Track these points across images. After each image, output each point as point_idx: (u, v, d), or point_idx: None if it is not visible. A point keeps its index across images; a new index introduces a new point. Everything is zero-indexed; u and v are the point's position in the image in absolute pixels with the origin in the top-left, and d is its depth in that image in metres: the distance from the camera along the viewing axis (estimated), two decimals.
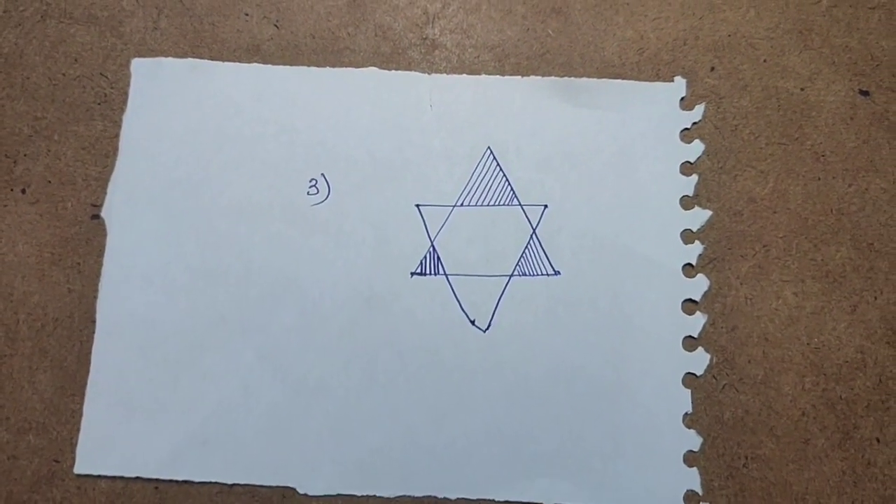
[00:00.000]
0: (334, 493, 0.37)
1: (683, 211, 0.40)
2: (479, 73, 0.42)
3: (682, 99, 0.42)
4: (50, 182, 0.41)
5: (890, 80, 0.42)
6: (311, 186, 0.41)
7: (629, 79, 0.42)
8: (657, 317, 0.39)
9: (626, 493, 0.37)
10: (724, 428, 0.38)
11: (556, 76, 0.42)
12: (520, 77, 0.42)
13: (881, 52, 0.43)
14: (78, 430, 0.38)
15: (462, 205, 0.41)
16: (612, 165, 0.41)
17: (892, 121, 0.42)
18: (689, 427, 0.38)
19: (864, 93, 0.42)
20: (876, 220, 0.40)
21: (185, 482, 0.37)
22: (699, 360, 0.39)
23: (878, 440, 0.38)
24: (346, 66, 0.43)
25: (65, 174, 0.41)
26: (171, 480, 0.37)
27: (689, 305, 0.39)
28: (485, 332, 0.39)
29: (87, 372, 0.39)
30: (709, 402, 0.38)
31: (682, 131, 0.41)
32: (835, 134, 0.42)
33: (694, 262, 0.40)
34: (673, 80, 0.42)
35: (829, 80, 0.42)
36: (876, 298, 0.39)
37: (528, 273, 0.40)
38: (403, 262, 0.40)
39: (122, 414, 0.38)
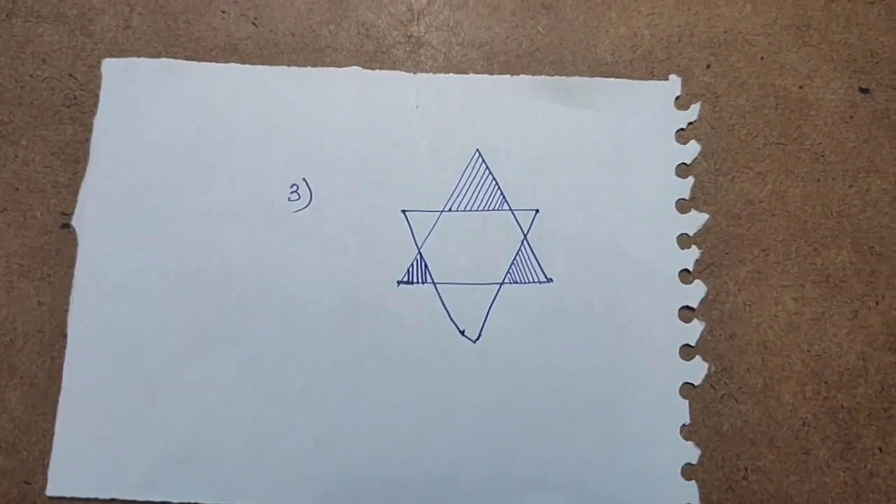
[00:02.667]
0: None
1: (679, 214, 0.39)
2: (467, 72, 0.41)
3: (678, 98, 0.41)
4: (18, 189, 0.39)
5: (890, 77, 0.41)
6: (292, 192, 0.39)
7: (622, 77, 0.41)
8: (653, 325, 0.38)
9: None
10: (722, 439, 0.37)
11: (546, 75, 0.41)
12: (509, 76, 0.41)
13: (881, 49, 0.41)
14: (50, 449, 0.37)
15: (450, 210, 0.39)
16: (605, 167, 0.40)
17: (892, 119, 0.40)
18: (686, 439, 0.37)
19: (865, 90, 0.41)
20: (877, 223, 0.39)
21: (163, 503, 0.36)
22: (697, 370, 0.38)
23: (880, 450, 0.37)
24: (327, 66, 0.41)
25: (33, 181, 0.39)
26: (148, 502, 0.36)
27: (686, 313, 0.38)
28: (475, 342, 0.38)
29: (59, 388, 0.37)
30: (707, 412, 0.37)
31: (677, 131, 0.40)
32: (834, 133, 0.40)
33: (691, 268, 0.39)
34: (668, 79, 0.41)
35: (828, 78, 0.41)
36: (878, 303, 0.38)
37: (519, 280, 0.38)
38: (389, 271, 0.39)
39: (96, 432, 0.37)
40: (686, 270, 0.39)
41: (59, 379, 0.37)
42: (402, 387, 0.37)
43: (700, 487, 0.36)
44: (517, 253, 0.39)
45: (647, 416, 0.37)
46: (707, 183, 0.40)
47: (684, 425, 0.37)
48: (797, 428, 0.37)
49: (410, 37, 0.42)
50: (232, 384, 0.37)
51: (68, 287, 0.38)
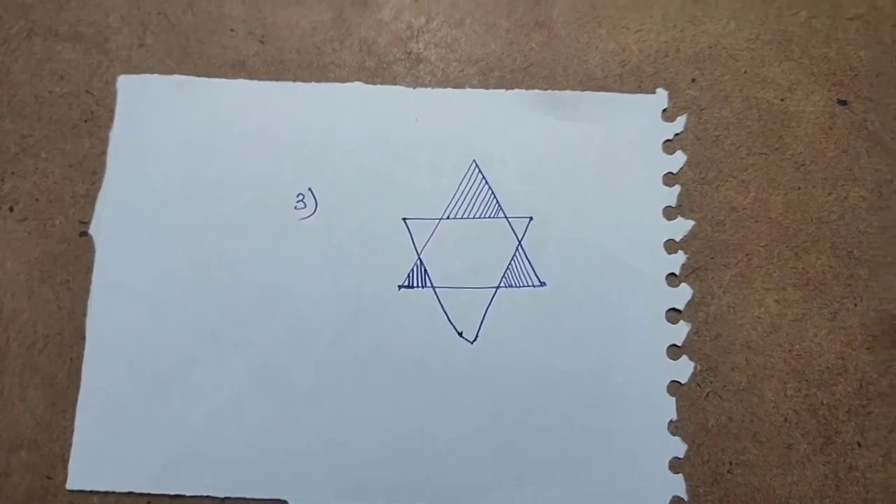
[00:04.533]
0: None
1: (666, 221, 0.41)
2: (464, 87, 0.43)
3: (665, 110, 0.42)
4: (38, 200, 0.41)
5: (868, 89, 0.43)
6: (298, 201, 0.41)
7: (612, 91, 0.43)
8: (642, 326, 0.40)
9: (613, 499, 0.38)
10: (708, 435, 0.39)
11: (539, 89, 0.43)
12: (504, 90, 0.43)
13: (859, 63, 0.43)
14: (70, 446, 0.38)
15: (448, 218, 0.41)
16: (595, 177, 0.41)
17: (870, 130, 0.42)
18: (674, 434, 0.38)
19: (843, 102, 0.43)
20: (855, 228, 0.41)
21: (177, 496, 0.38)
22: (683, 368, 0.39)
23: (859, 444, 0.38)
24: (331, 81, 0.43)
25: (53, 192, 0.41)
26: (163, 495, 0.38)
27: (673, 314, 0.40)
28: (472, 343, 0.39)
29: (78, 388, 0.39)
30: (693, 409, 0.39)
31: (664, 142, 0.42)
32: (814, 143, 0.42)
33: (677, 272, 0.40)
34: (655, 92, 0.43)
35: (808, 91, 0.43)
36: (856, 305, 0.40)
37: (514, 284, 0.40)
38: (391, 276, 0.40)
39: (114, 429, 0.38)
40: (673, 274, 0.40)
41: (79, 379, 0.39)
42: (403, 386, 0.39)
43: (687, 480, 0.38)
44: (512, 258, 0.41)
45: (637, 413, 0.39)
46: (693, 191, 0.42)
47: (671, 421, 0.39)
48: (779, 424, 0.39)
49: (410, 53, 0.44)
50: (241, 385, 0.39)
51: (86, 292, 0.40)
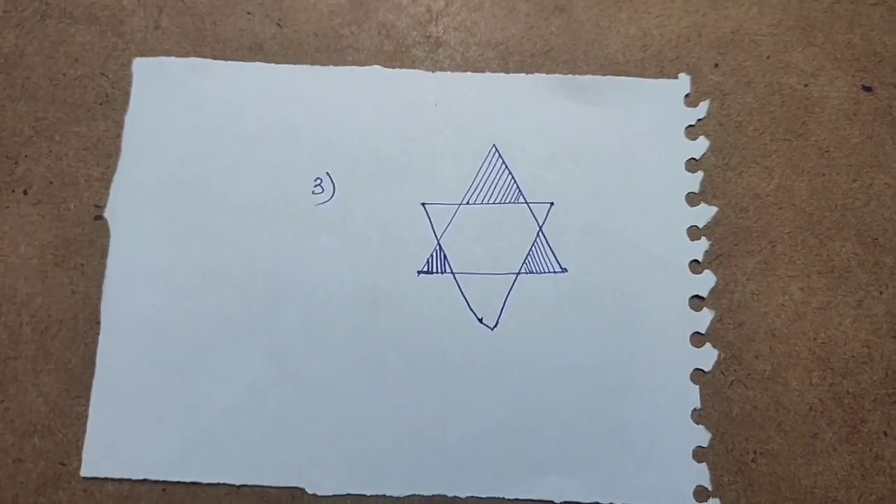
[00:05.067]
0: (343, 492, 0.37)
1: (689, 207, 0.40)
2: (483, 71, 0.42)
3: (687, 96, 0.42)
4: (52, 183, 0.41)
5: (893, 75, 0.42)
6: (315, 185, 0.41)
7: (633, 76, 0.42)
8: (664, 313, 0.39)
9: (635, 489, 0.37)
10: (732, 423, 0.38)
11: (560, 73, 0.42)
12: (524, 74, 0.42)
13: (883, 48, 0.43)
14: (84, 432, 0.38)
15: (468, 203, 0.41)
16: (617, 162, 0.41)
17: (895, 116, 0.42)
18: (697, 423, 0.38)
19: (868, 88, 0.42)
20: (880, 215, 0.40)
21: (193, 483, 0.37)
22: (707, 356, 0.39)
23: (885, 433, 0.38)
24: (349, 65, 0.42)
25: (67, 175, 0.41)
26: (178, 482, 0.37)
27: (697, 302, 0.39)
28: (492, 329, 0.39)
29: (92, 373, 0.38)
30: (717, 397, 0.38)
31: (686, 128, 0.42)
32: (839, 129, 0.42)
33: (700, 259, 0.40)
34: (677, 77, 0.42)
35: (832, 76, 0.42)
36: (881, 293, 0.39)
37: (534, 271, 0.40)
38: (410, 261, 0.40)
39: (129, 415, 0.38)
40: (696, 261, 0.40)
41: (93, 364, 0.38)
42: (421, 373, 0.38)
43: (710, 469, 0.37)
44: (533, 244, 0.40)
45: (659, 401, 0.38)
46: (716, 177, 0.41)
47: (695, 410, 0.38)
48: (804, 413, 0.38)
49: (429, 37, 0.43)
50: (257, 372, 0.38)
51: (101, 276, 0.39)
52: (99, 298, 0.39)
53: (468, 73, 0.42)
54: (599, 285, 0.39)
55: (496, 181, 0.41)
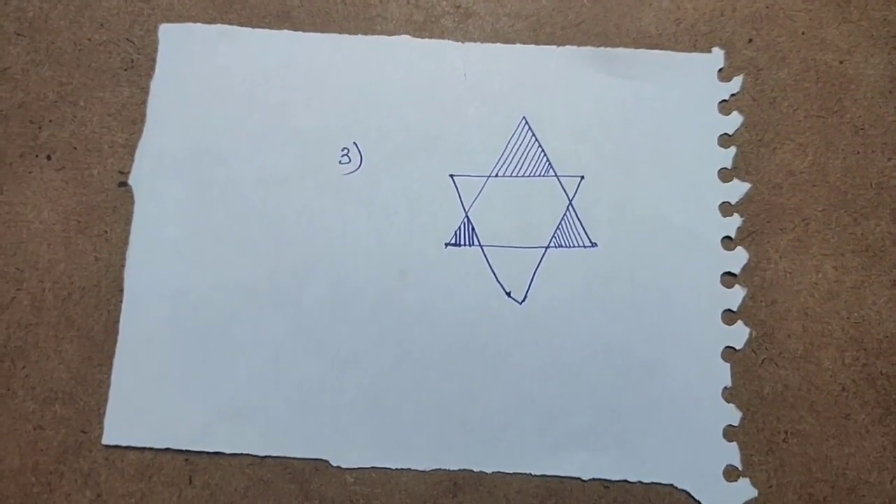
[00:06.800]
0: (368, 465, 0.37)
1: (722, 183, 0.40)
2: (514, 43, 0.42)
3: (720, 70, 0.41)
4: (76, 149, 0.40)
5: None
6: (343, 155, 0.40)
7: (666, 49, 0.42)
8: (696, 290, 0.38)
9: (665, 467, 0.36)
10: (763, 402, 0.37)
11: (591, 46, 0.42)
12: (555, 46, 0.42)
13: None
14: (106, 400, 0.37)
15: (497, 175, 0.40)
16: (649, 137, 0.40)
17: None
18: (728, 401, 0.37)
19: None
20: None
21: (216, 454, 0.37)
22: (738, 334, 0.38)
23: None
24: (377, 34, 0.42)
25: (91, 141, 0.40)
26: (201, 452, 0.37)
27: (728, 279, 0.39)
28: (521, 304, 0.38)
29: (115, 342, 0.38)
30: (748, 376, 0.38)
31: (720, 103, 0.41)
32: (874, 107, 0.41)
33: (733, 235, 0.39)
34: (710, 52, 0.41)
35: (867, 53, 0.42)
36: None
37: (564, 245, 0.39)
38: (437, 233, 0.39)
39: (151, 384, 0.37)
40: (728, 237, 0.39)
41: (115, 332, 0.38)
42: (449, 346, 0.38)
43: (741, 449, 0.37)
44: (563, 218, 0.39)
45: (690, 379, 0.37)
46: (749, 153, 0.40)
47: (726, 388, 0.37)
48: (837, 393, 0.38)
49: (459, 7, 0.42)
50: (282, 343, 0.38)
51: (124, 244, 0.39)
52: (122, 266, 0.39)
53: (498, 45, 0.42)
54: (630, 261, 0.39)
55: (526, 154, 0.40)
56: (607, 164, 0.40)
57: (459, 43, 0.42)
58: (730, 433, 0.37)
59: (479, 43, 0.42)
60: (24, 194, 0.40)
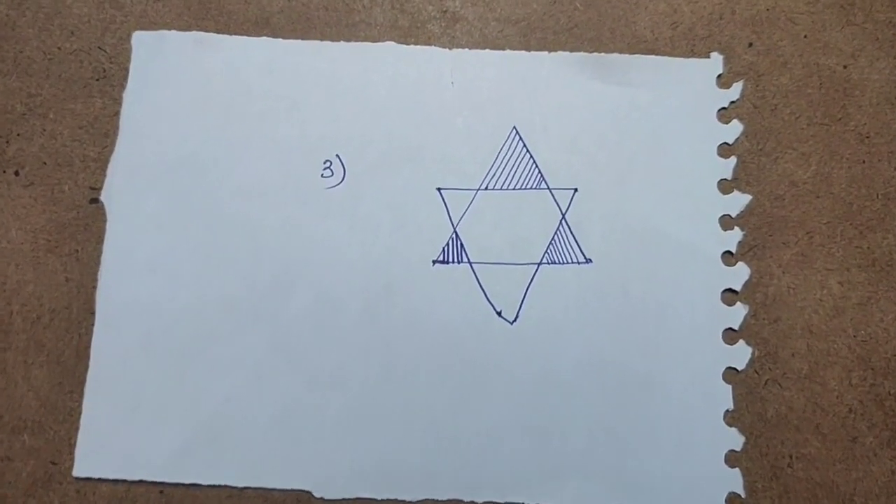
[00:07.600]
0: (353, 496, 0.35)
1: (721, 195, 0.38)
2: (503, 49, 0.40)
3: (719, 76, 0.40)
4: (45, 163, 0.39)
5: None
6: (325, 168, 0.38)
7: (662, 54, 0.40)
8: (695, 307, 0.37)
9: (663, 495, 0.35)
10: (767, 426, 0.36)
11: (584, 52, 0.40)
12: (546, 52, 0.40)
13: None
14: (77, 429, 0.36)
15: (486, 188, 0.38)
16: (645, 146, 0.39)
17: None
18: (730, 425, 0.36)
19: None
20: None
21: (193, 485, 0.35)
22: (740, 354, 0.37)
23: None
24: (361, 41, 0.40)
25: (61, 155, 0.39)
26: (176, 483, 0.35)
27: (729, 295, 0.37)
28: (512, 323, 0.37)
29: (86, 367, 0.36)
30: (751, 398, 0.36)
31: (719, 110, 0.39)
32: (880, 114, 0.39)
33: (734, 250, 0.38)
34: (709, 57, 0.40)
35: (872, 58, 0.40)
36: None
37: (557, 261, 0.37)
38: (424, 249, 0.38)
39: (125, 412, 0.36)
40: (729, 252, 0.38)
41: (87, 357, 0.36)
42: (436, 368, 0.36)
43: (744, 475, 0.35)
44: (555, 233, 0.38)
45: (689, 401, 0.36)
46: (750, 163, 0.39)
47: (727, 411, 0.36)
48: (843, 415, 0.36)
49: (446, 12, 0.41)
50: (262, 363, 0.36)
51: (96, 263, 0.37)
52: (94, 286, 0.37)
53: (487, 51, 0.40)
54: (626, 277, 0.37)
55: (516, 165, 0.39)
56: (602, 175, 0.38)
57: (447, 49, 0.40)
58: (732, 459, 0.36)
59: (467, 49, 0.40)
60: None
